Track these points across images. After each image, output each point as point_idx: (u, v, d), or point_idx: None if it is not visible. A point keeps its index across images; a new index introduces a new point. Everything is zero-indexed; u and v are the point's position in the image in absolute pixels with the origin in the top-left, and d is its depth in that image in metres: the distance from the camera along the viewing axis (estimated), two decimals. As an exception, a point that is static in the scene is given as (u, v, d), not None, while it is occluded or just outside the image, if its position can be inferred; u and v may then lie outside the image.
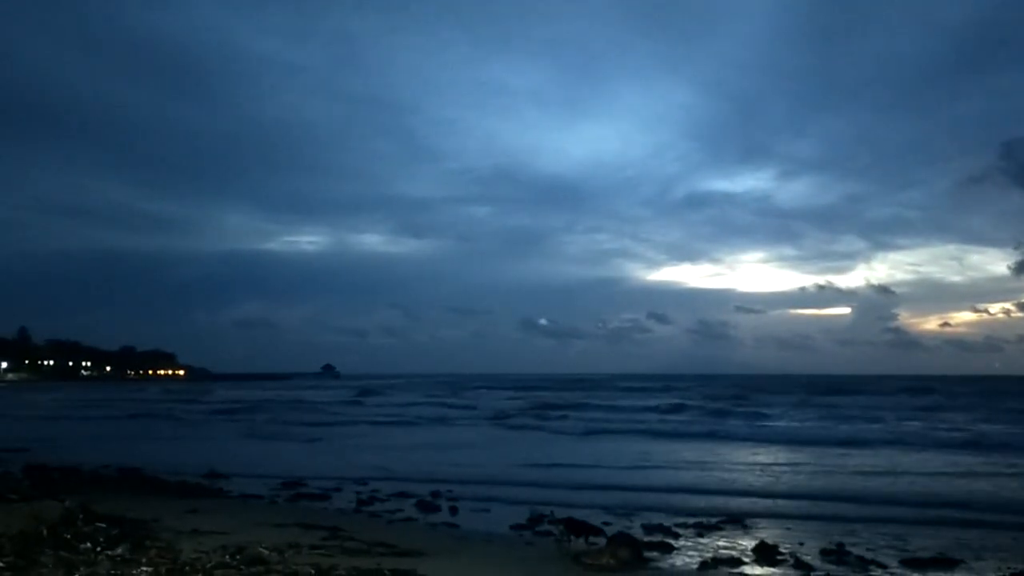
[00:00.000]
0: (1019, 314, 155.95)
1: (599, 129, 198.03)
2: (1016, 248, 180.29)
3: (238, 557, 9.15)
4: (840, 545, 12.06)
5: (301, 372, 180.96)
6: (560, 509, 13.78)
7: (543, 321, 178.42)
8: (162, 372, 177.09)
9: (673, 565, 10.89)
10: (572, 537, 11.96)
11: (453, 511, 15.26)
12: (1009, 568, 10.67)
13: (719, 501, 16.15)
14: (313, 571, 8.67)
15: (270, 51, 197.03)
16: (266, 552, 9.47)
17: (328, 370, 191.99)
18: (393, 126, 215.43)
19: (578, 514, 13.12)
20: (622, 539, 11.21)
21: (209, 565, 8.73)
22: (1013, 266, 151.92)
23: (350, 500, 16.49)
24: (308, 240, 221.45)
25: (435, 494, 16.83)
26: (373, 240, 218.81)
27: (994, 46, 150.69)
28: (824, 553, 11.62)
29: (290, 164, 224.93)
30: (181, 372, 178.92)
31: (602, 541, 11.49)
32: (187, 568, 8.57)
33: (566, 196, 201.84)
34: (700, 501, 16.25)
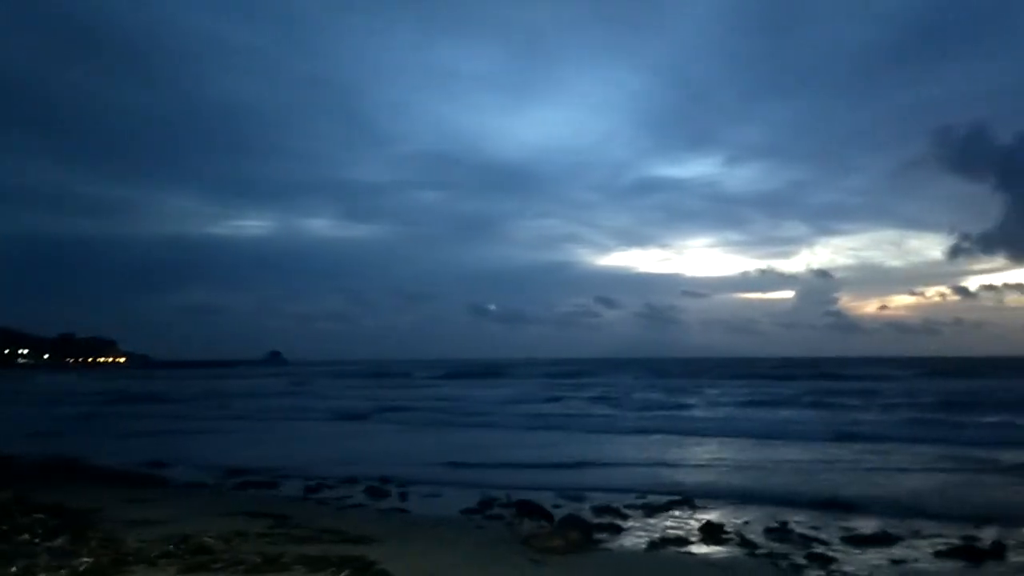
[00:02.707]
0: (954, 297, 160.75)
1: (549, 114, 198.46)
2: (950, 233, 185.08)
3: (182, 546, 8.98)
4: (784, 523, 12.38)
5: (247, 359, 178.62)
6: (513, 492, 13.85)
7: (492, 306, 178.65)
8: (103, 360, 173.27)
9: (622, 546, 11.00)
10: (523, 519, 12.00)
11: (403, 497, 15.19)
12: (946, 543, 11.01)
13: (669, 484, 16.32)
14: (259, 559, 8.55)
15: (214, 31, 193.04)
16: (211, 541, 9.31)
17: (274, 357, 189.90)
18: (340, 109, 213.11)
19: (529, 498, 13.20)
20: (571, 521, 11.27)
21: (153, 555, 8.56)
22: (947, 251, 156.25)
23: (298, 488, 16.31)
24: (254, 224, 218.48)
25: (384, 480, 16.74)
26: (320, 224, 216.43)
27: (931, 36, 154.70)
28: (768, 531, 11.90)
29: (235, 146, 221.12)
30: (122, 359, 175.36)
31: (552, 524, 11.55)
32: (130, 558, 8.39)
33: (516, 181, 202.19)
34: (650, 483, 16.39)
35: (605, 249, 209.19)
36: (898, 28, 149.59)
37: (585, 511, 13.23)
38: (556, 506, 13.40)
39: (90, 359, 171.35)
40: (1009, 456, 19.49)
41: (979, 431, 24.65)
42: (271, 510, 12.53)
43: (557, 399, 45.41)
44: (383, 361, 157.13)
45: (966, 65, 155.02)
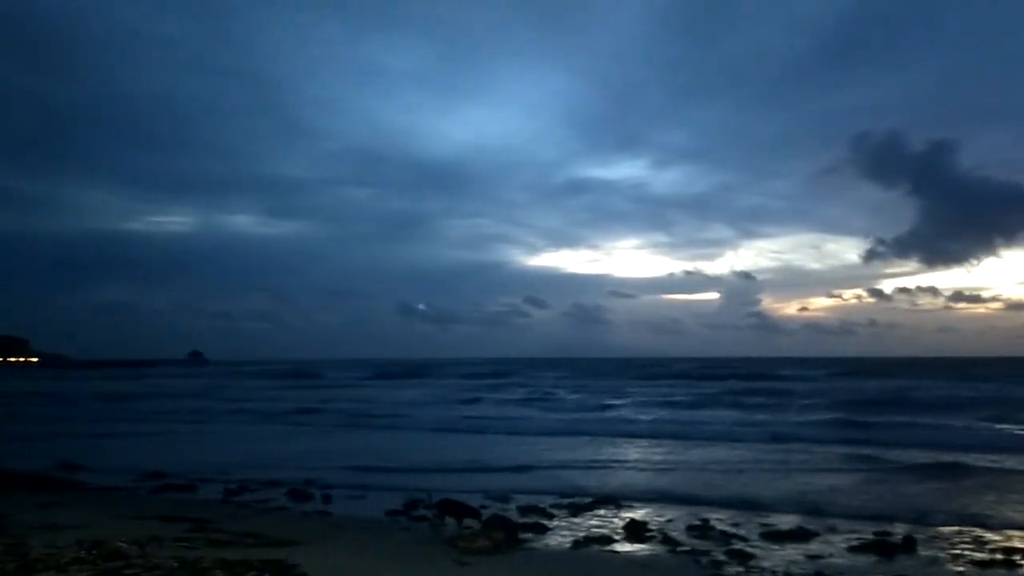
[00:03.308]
0: (870, 299, 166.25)
1: (480, 113, 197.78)
2: (866, 238, 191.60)
3: (95, 552, 8.68)
4: (705, 521, 12.62)
5: (167, 359, 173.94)
6: (437, 494, 13.78)
7: (421, 306, 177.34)
8: (13, 359, 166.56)
9: (547, 545, 11.04)
10: (449, 519, 11.95)
11: (327, 499, 14.96)
12: (860, 539, 11.36)
13: (593, 486, 16.44)
14: (176, 564, 8.31)
15: (136, 22, 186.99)
16: (125, 546, 9.02)
17: (195, 357, 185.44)
18: (266, 103, 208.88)
19: (456, 499, 13.15)
20: (497, 521, 11.29)
21: (63, 561, 8.24)
22: (864, 254, 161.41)
23: (217, 491, 15.90)
24: (175, 220, 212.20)
25: (308, 482, 16.47)
26: (245, 221, 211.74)
27: (850, 45, 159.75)
28: (690, 529, 12.11)
29: (156, 140, 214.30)
30: (35, 359, 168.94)
31: (477, 524, 11.53)
32: (38, 565, 8.07)
33: (446, 180, 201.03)
34: (575, 484, 16.50)
35: (535, 249, 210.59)
36: (819, 36, 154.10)
37: (511, 511, 13.25)
38: (482, 507, 13.36)
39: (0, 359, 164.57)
40: (919, 456, 20.16)
41: (891, 431, 25.30)
42: (189, 514, 12.24)
43: (477, 400, 45.03)
44: (308, 361, 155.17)
45: (882, 74, 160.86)
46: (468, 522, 12.03)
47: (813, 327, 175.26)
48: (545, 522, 12.44)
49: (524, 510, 13.43)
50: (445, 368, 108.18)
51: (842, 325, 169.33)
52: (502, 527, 10.95)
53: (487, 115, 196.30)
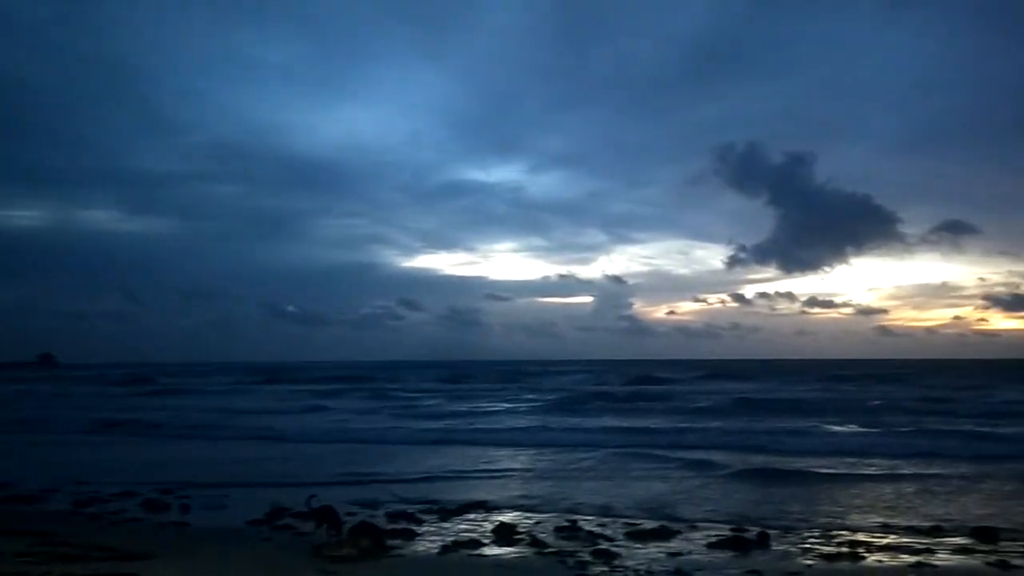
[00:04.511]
0: (733, 304, 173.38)
1: (355, 111, 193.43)
2: (729, 244, 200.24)
3: (-78, 573, 8.04)
4: (573, 522, 12.84)
5: (13, 362, 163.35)
6: (296, 505, 13.45)
7: (291, 307, 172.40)
8: None
9: (415, 551, 10.94)
10: (313, 528, 11.67)
11: (184, 509, 14.33)
12: (718, 536, 11.81)
13: (462, 490, 16.44)
14: (16, 583, 7.80)
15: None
16: (-42, 565, 8.40)
17: (46, 359, 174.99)
18: (127, 93, 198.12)
19: (318, 506, 12.84)
20: (363, 528, 11.08)
21: None
22: (727, 261, 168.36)
23: (66, 502, 15.00)
24: (25, 214, 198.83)
25: (165, 491, 15.78)
26: (103, 217, 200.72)
27: (715, 59, 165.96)
28: (558, 530, 12.29)
29: (7, 130, 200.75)
30: None
31: (343, 532, 11.31)
32: None
33: (319, 178, 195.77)
34: (443, 490, 16.47)
35: (411, 251, 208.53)
36: (686, 51, 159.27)
37: (379, 518, 13.08)
38: (349, 514, 13.11)
39: None
40: (764, 461, 20.91)
41: (751, 437, 26.03)
42: (33, 527, 11.51)
43: (322, 408, 42.38)
44: (166, 364, 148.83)
45: (744, 89, 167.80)
46: (333, 531, 11.77)
47: (681, 330, 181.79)
48: (414, 528, 12.33)
49: (393, 516, 13.29)
50: (311, 371, 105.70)
51: (707, 328, 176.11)
52: (369, 534, 10.77)
53: (362, 114, 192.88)
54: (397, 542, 11.29)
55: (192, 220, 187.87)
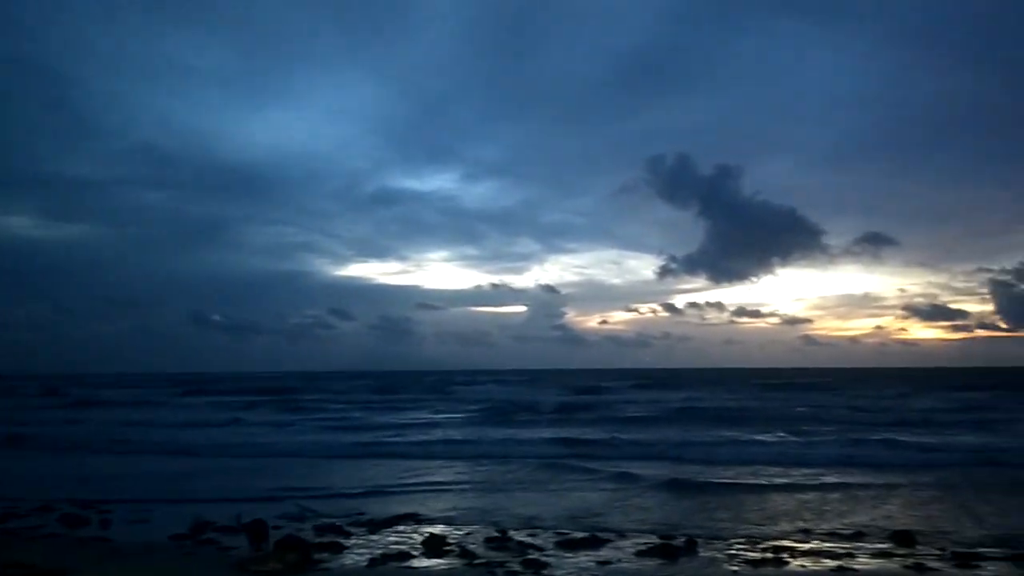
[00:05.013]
0: (664, 314, 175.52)
1: (286, 117, 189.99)
2: (660, 255, 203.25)
3: None
4: (503, 532, 12.82)
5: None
6: (230, 517, 13.18)
7: (217, 316, 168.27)
8: None
9: (343, 565, 10.78)
10: (238, 543, 11.44)
11: (105, 524, 13.88)
12: (647, 544, 11.93)
13: (392, 503, 16.27)
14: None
15: None
16: None
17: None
18: (47, 95, 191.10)
19: (245, 520, 12.60)
20: (290, 542, 10.90)
21: None
22: (658, 271, 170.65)
23: (-24, 518, 14.43)
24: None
25: (85, 506, 15.26)
26: (20, 223, 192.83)
27: (646, 72, 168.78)
28: (488, 541, 12.24)
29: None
30: None
31: (269, 546, 11.11)
32: None
33: (250, 185, 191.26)
34: (372, 503, 16.29)
35: (342, 259, 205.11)
36: (618, 63, 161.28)
37: (306, 531, 12.85)
38: (275, 527, 12.88)
39: None
40: (704, 469, 21.45)
41: (681, 447, 25.95)
42: (-60, 547, 11.00)
43: (244, 422, 40.45)
44: (84, 375, 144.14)
45: (676, 101, 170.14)
46: (260, 545, 11.54)
47: (613, 339, 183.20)
48: (342, 541, 12.15)
49: (320, 530, 13.06)
50: (237, 382, 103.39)
51: (639, 338, 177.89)
52: (295, 548, 10.60)
53: (294, 120, 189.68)
54: (324, 555, 11.12)
55: (116, 227, 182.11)
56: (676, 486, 18.08)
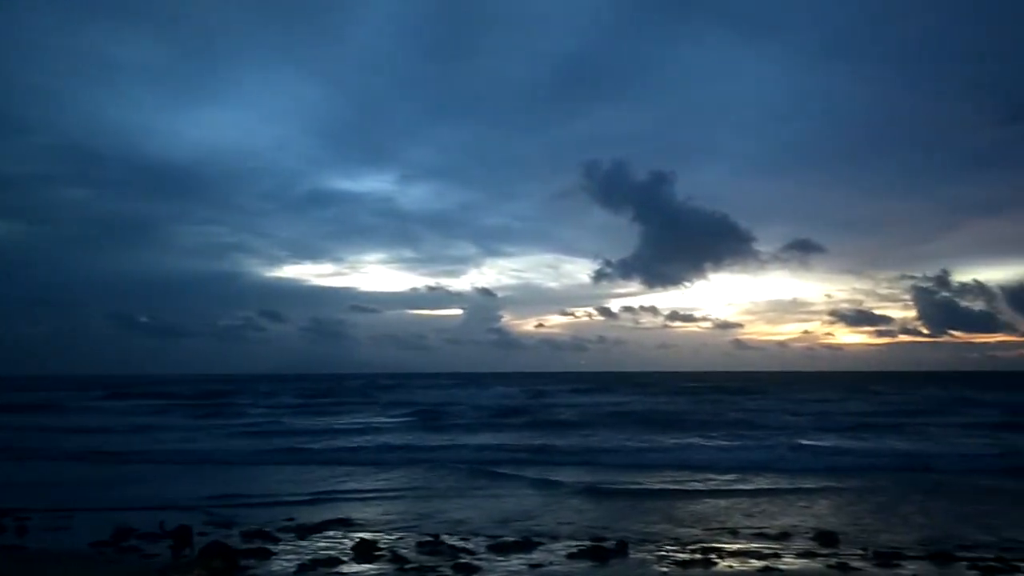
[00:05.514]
0: (599, 318, 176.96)
1: (218, 115, 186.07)
2: (596, 259, 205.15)
3: None
4: (436, 536, 12.73)
5: None
6: (151, 524, 12.81)
7: (144, 318, 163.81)
8: None
9: (271, 571, 10.57)
10: (162, 549, 11.14)
11: (21, 532, 13.39)
12: (578, 546, 11.99)
13: (322, 509, 16.03)
14: None
15: None
16: None
17: None
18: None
19: (170, 527, 12.28)
20: (215, 548, 10.63)
21: None
22: (593, 275, 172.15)
23: None
24: None
25: (1, 513, 14.68)
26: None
27: (583, 79, 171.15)
28: (420, 545, 12.12)
29: None
30: None
31: (193, 552, 10.84)
32: None
33: (179, 183, 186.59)
34: (300, 510, 16.02)
35: (274, 261, 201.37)
36: (556, 69, 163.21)
37: (233, 537, 12.56)
38: (201, 533, 12.58)
39: None
40: (636, 473, 21.75)
41: (613, 451, 26.30)
42: None
43: (168, 427, 39.41)
44: (2, 378, 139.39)
45: (611, 107, 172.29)
46: (184, 552, 11.26)
47: (549, 343, 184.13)
48: (270, 547, 11.90)
49: (247, 535, 12.78)
50: (162, 386, 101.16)
51: (574, 341, 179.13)
52: (221, 554, 10.34)
53: (225, 118, 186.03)
54: (251, 562, 10.88)
55: (38, 225, 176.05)
56: (607, 491, 18.22)
